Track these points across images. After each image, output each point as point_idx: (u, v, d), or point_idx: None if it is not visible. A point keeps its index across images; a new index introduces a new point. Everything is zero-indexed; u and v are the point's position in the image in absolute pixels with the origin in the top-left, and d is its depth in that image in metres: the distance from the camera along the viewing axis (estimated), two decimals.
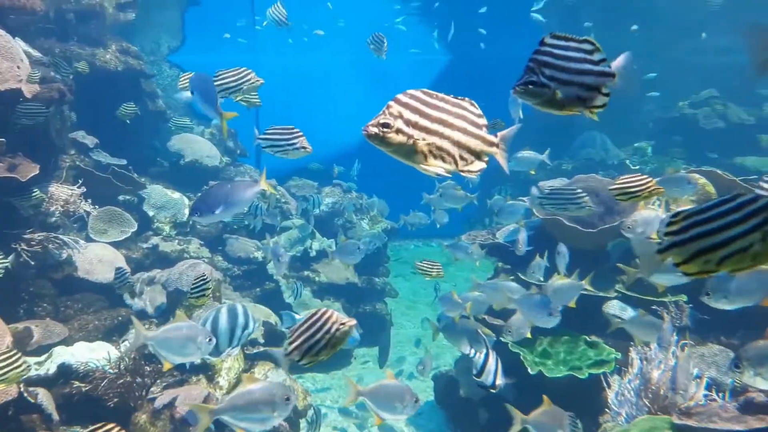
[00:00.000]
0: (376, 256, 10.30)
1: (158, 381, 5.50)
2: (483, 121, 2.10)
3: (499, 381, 4.42)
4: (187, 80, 5.12)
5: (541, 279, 5.74)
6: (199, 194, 7.00)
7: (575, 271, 5.25)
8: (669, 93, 14.06)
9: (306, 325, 2.56)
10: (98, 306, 6.48)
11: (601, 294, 5.88)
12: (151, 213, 8.45)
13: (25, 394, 4.51)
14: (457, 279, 11.17)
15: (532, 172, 7.34)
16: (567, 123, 13.67)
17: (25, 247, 5.93)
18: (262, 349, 6.67)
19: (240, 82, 4.52)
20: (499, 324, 5.72)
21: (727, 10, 12.94)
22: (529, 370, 5.47)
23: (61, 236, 6.33)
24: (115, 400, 5.04)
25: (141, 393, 5.20)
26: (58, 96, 6.83)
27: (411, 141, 1.99)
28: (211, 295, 6.68)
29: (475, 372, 4.41)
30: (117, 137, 8.45)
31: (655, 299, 5.72)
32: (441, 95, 2.06)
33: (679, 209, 2.00)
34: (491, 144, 2.12)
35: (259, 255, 8.83)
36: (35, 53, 7.21)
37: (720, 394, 4.34)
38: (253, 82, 4.52)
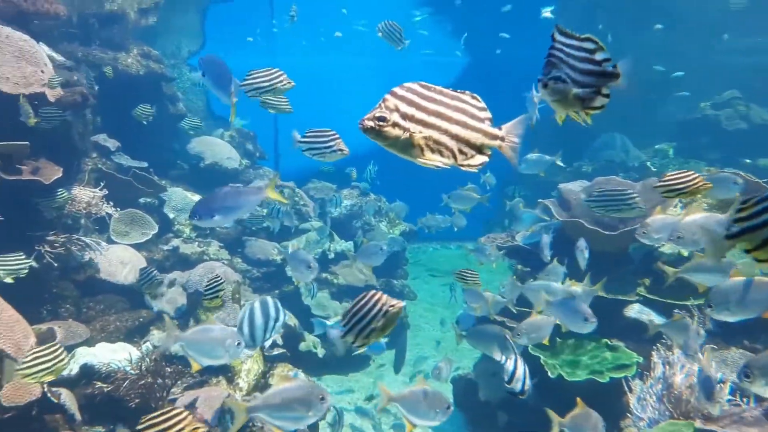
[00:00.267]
0: (395, 258, 10.30)
1: (179, 382, 5.54)
2: (485, 114, 2.04)
3: (528, 387, 4.38)
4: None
5: (560, 283, 5.67)
6: (200, 198, 7.04)
7: (587, 273, 5.21)
8: (691, 94, 13.92)
9: (357, 308, 2.56)
10: (119, 307, 6.55)
11: (622, 297, 5.83)
12: (171, 215, 8.53)
13: (49, 394, 4.56)
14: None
15: (542, 174, 7.33)
16: (586, 124, 13.56)
17: (49, 249, 6.00)
18: (281, 351, 6.70)
19: (272, 82, 4.51)
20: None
21: (749, 11, 12.78)
22: (549, 374, 5.43)
23: (83, 238, 6.40)
24: (137, 400, 5.07)
25: (162, 394, 5.23)
26: (81, 100, 6.91)
27: (407, 135, 1.95)
28: (223, 297, 6.76)
29: (506, 379, 4.38)
30: (138, 140, 8.54)
31: (678, 302, 5.65)
32: (439, 88, 2.01)
33: (748, 196, 1.96)
34: (494, 137, 2.05)
35: (278, 257, 8.86)
36: (59, 57, 7.31)
37: (744, 399, 4.28)
38: (285, 84, 4.52)
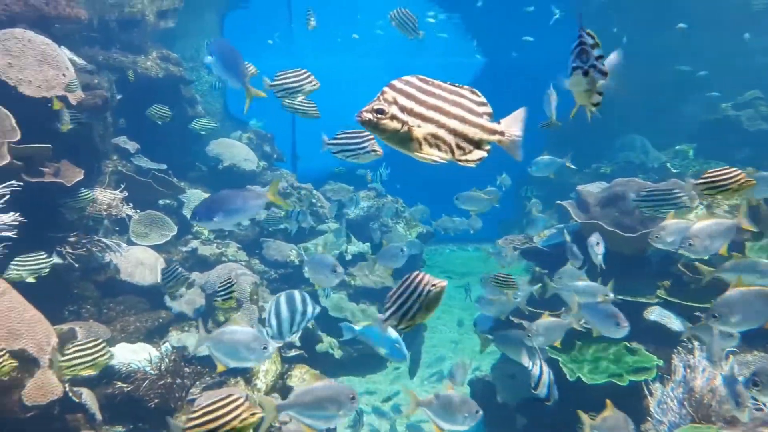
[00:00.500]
0: (412, 260, 10.27)
1: (197, 382, 5.58)
2: (485, 109, 2.00)
3: (554, 393, 4.36)
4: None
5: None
6: (202, 201, 7.07)
7: (602, 269, 5.16)
8: (717, 95, 13.76)
9: (399, 291, 2.51)
10: (139, 308, 6.61)
11: (641, 300, 5.78)
12: (190, 217, 8.58)
13: (70, 394, 4.62)
14: None
15: (552, 176, 7.32)
16: (605, 125, 13.47)
17: (70, 250, 6.07)
18: (298, 352, 6.72)
19: (301, 83, 4.53)
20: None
21: None
22: (568, 377, 5.40)
23: (104, 239, 6.47)
24: (156, 400, 5.12)
25: (181, 394, 5.28)
26: (101, 103, 7.00)
27: (405, 128, 1.92)
28: (241, 297, 6.80)
29: (532, 385, 4.36)
30: (157, 142, 8.62)
31: (698, 305, 5.59)
32: (437, 82, 1.98)
33: None
34: (492, 132, 2.01)
35: (295, 258, 8.89)
36: (80, 61, 7.40)
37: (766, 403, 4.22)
38: (312, 85, 4.53)
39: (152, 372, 5.26)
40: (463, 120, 1.98)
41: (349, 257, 9.62)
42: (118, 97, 7.88)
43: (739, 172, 3.68)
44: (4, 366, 3.67)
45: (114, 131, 8.17)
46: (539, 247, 6.91)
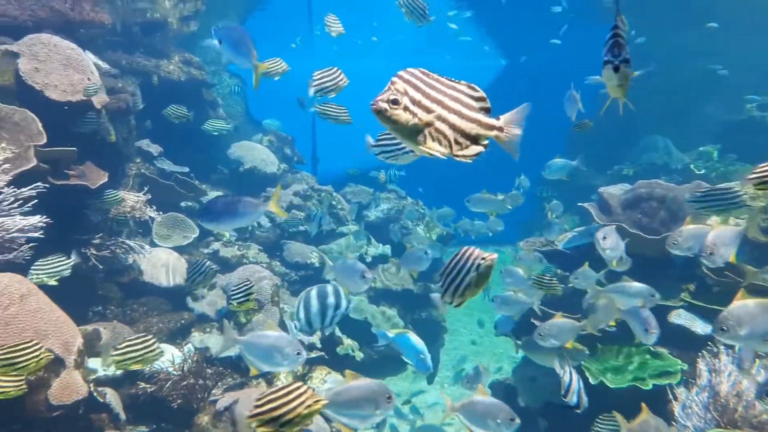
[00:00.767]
0: (433, 262, 10.26)
1: (219, 383, 5.62)
2: (482, 104, 1.99)
3: (584, 400, 4.31)
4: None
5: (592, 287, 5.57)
6: (206, 202, 7.14)
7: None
8: (735, 95, 13.55)
9: (450, 266, 2.47)
10: (162, 309, 6.67)
11: (665, 303, 5.71)
12: None
13: (95, 394, 4.67)
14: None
15: (565, 178, 7.31)
16: (627, 126, 13.34)
17: (94, 252, 6.15)
18: (319, 354, 6.74)
19: (335, 81, 4.59)
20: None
21: None
22: (591, 380, 5.35)
23: (127, 241, 6.55)
24: (179, 401, 5.17)
25: (203, 395, 5.32)
26: (125, 106, 7.09)
27: (416, 120, 1.92)
28: (263, 299, 6.83)
29: (562, 393, 4.32)
30: (180, 145, 8.70)
31: (722, 309, 5.50)
32: (436, 75, 1.97)
33: None
34: (490, 127, 2.00)
35: (315, 260, 8.93)
36: (104, 65, 7.51)
37: None
38: (344, 81, 4.60)
39: (175, 373, 5.31)
40: (460, 115, 1.97)
41: (369, 259, 9.63)
42: (141, 106, 7.96)
43: None
44: (42, 359, 3.72)
45: (137, 134, 8.26)
46: (561, 250, 6.87)
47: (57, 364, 4.37)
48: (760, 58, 13.78)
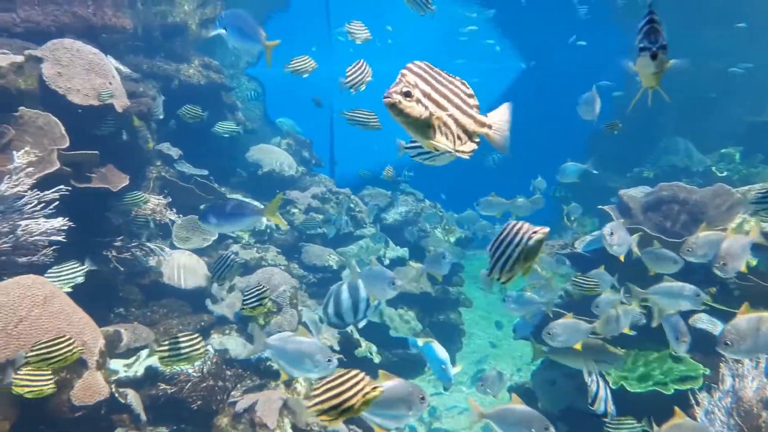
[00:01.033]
0: (451, 265, 10.25)
1: (238, 385, 5.66)
2: (474, 101, 2.00)
3: (612, 409, 4.25)
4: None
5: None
6: (208, 204, 7.20)
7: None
8: (758, 95, 13.37)
9: (498, 241, 2.39)
10: (182, 311, 6.72)
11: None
12: None
13: (116, 395, 4.73)
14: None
15: (576, 180, 7.32)
16: (647, 128, 13.22)
17: (115, 254, 6.22)
18: (337, 356, 6.74)
19: (364, 76, 4.67)
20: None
21: None
22: (611, 385, 5.30)
23: (147, 244, 6.62)
24: (199, 402, 5.21)
25: (222, 396, 5.35)
26: (146, 110, 7.16)
27: (427, 113, 1.90)
28: (281, 302, 6.85)
29: (589, 401, 4.28)
30: (199, 148, 8.77)
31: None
32: (438, 70, 1.96)
33: None
34: (482, 124, 2.02)
35: (334, 263, 8.95)
36: (125, 69, 7.59)
37: None
38: (370, 75, 4.69)
39: (195, 374, 5.35)
40: (461, 110, 1.98)
41: (387, 262, 9.64)
42: (162, 116, 8.01)
43: None
44: (75, 353, 3.77)
45: (158, 137, 8.34)
46: (580, 252, 6.82)
47: (79, 365, 4.42)
48: None
